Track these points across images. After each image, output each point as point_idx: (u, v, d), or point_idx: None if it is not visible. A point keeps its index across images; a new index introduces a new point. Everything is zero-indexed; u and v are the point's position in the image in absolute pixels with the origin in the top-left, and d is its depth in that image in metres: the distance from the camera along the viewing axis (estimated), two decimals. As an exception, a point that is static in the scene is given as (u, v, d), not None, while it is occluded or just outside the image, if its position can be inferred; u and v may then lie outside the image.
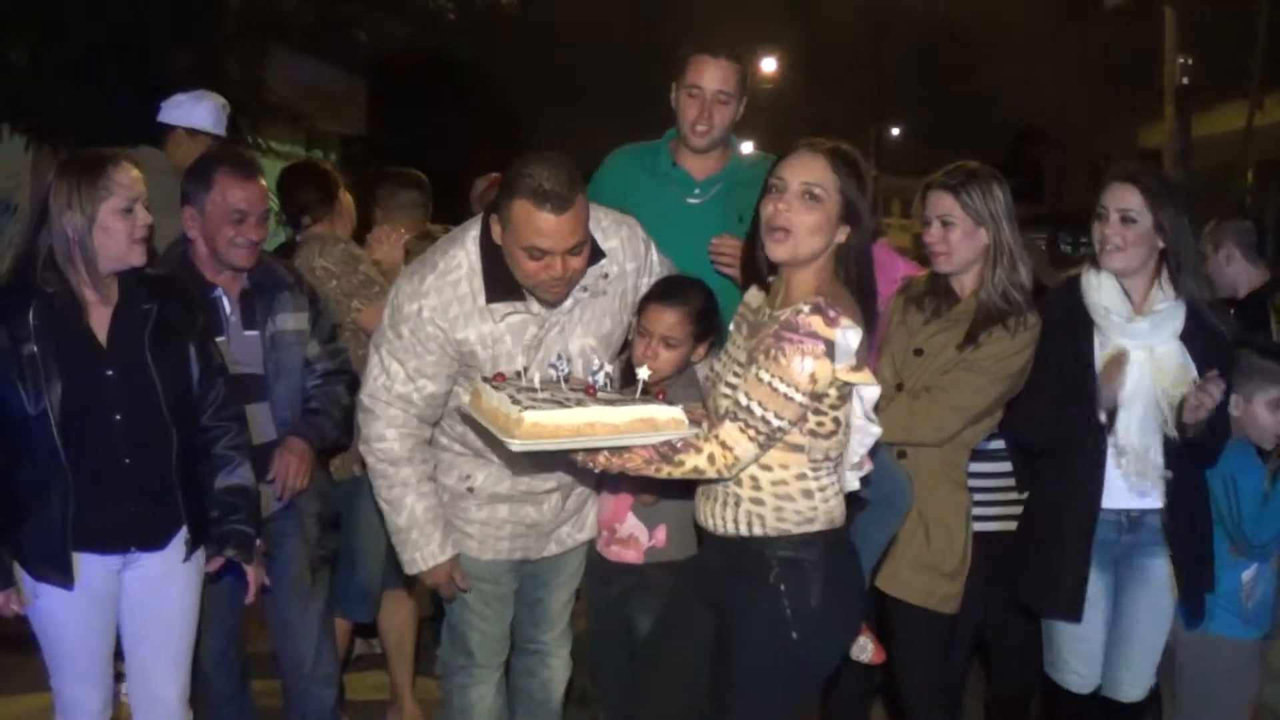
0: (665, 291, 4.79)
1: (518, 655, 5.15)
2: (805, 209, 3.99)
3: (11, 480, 4.47)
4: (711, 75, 5.42)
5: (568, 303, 4.56)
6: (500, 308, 4.51)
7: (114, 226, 4.43)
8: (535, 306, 4.53)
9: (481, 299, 4.51)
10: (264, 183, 5.27)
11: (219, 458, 4.76)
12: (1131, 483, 4.87)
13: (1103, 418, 4.80)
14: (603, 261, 4.63)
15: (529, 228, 4.23)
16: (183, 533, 4.67)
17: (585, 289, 4.58)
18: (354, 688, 6.28)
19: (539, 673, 5.14)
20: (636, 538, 4.97)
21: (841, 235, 4.03)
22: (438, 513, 4.74)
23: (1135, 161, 5.24)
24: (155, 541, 4.64)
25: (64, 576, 4.49)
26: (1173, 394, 4.80)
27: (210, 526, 4.73)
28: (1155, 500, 4.90)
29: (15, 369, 4.36)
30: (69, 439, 4.41)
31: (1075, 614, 4.94)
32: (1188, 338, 4.87)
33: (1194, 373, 4.82)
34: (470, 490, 4.82)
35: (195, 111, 6.79)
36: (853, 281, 4.05)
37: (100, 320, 4.51)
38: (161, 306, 4.60)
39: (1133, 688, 5.07)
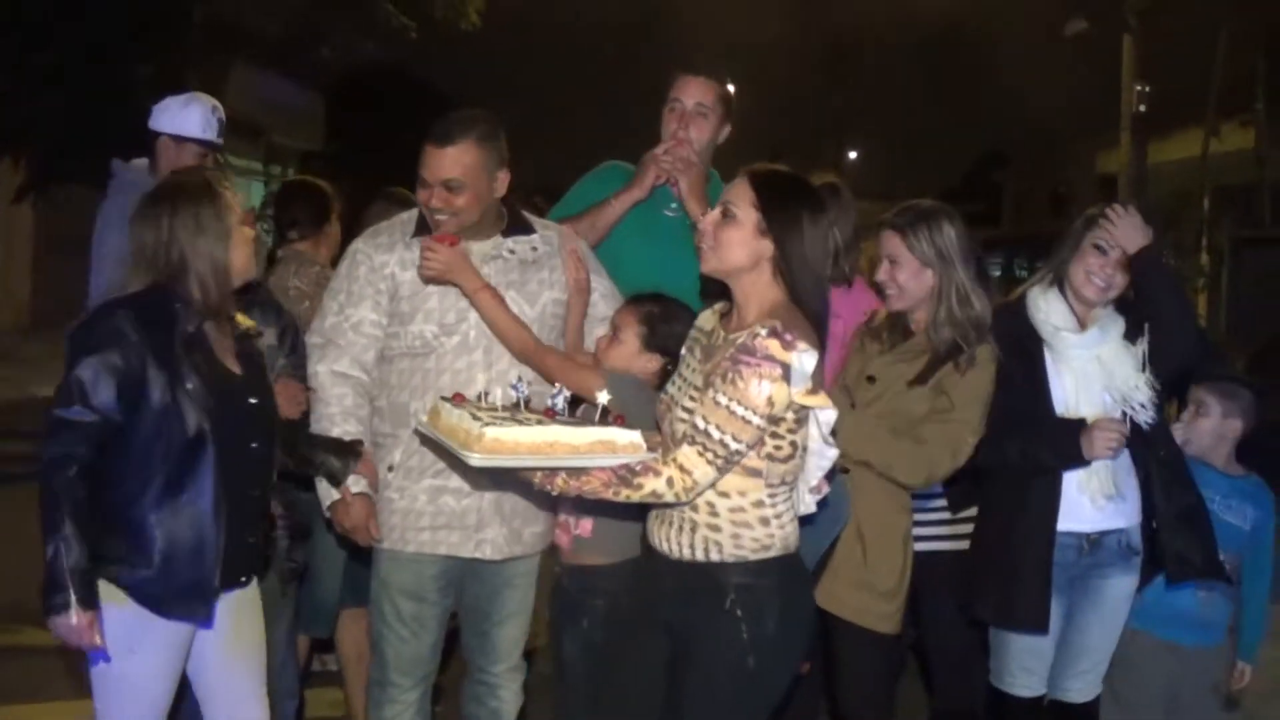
0: (634, 294, 4.99)
1: (468, 683, 5.12)
2: (723, 226, 4.05)
3: (143, 518, 4.19)
4: (689, 90, 5.59)
5: (493, 252, 4.90)
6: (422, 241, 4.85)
7: (240, 242, 4.38)
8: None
9: (410, 231, 4.94)
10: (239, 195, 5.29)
11: None
12: (1097, 503, 4.95)
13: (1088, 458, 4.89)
14: (533, 236, 5.02)
15: (420, 158, 4.77)
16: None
17: (512, 251, 4.93)
18: (311, 704, 6.25)
19: (487, 702, 5.09)
20: (567, 522, 4.96)
21: (766, 250, 4.02)
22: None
23: (1095, 190, 5.27)
24: (255, 571, 4.58)
25: (207, 612, 4.29)
26: (1128, 395, 4.90)
27: None
28: (1117, 520, 4.97)
29: (168, 395, 4.16)
30: (221, 472, 4.26)
31: (1043, 626, 4.98)
32: (1130, 336, 4.96)
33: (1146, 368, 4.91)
34: (390, 470, 4.86)
35: (181, 117, 6.63)
36: (795, 297, 4.02)
37: (225, 350, 4.42)
38: (249, 332, 4.58)
39: (1081, 694, 5.15)
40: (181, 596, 4.22)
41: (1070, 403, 4.96)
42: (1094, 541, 4.98)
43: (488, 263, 4.85)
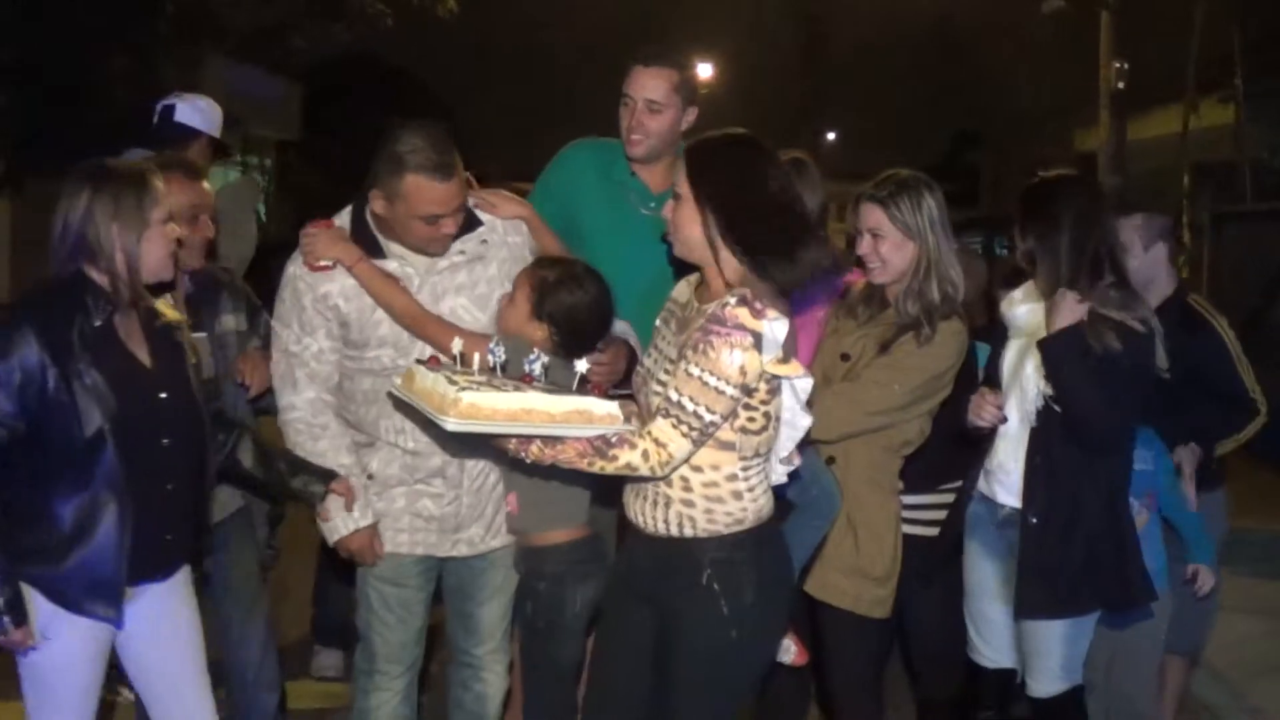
0: (540, 257, 4.89)
1: (454, 667, 5.11)
2: (675, 210, 4.07)
3: (51, 513, 4.20)
4: (640, 84, 5.41)
5: (442, 263, 4.76)
6: None
7: (157, 238, 4.30)
8: (403, 265, 4.72)
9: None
10: (206, 185, 5.29)
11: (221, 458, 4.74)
12: (1001, 479, 4.99)
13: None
14: (480, 229, 4.85)
15: (424, 199, 4.53)
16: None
17: (463, 252, 4.77)
18: (292, 696, 6.20)
19: (473, 686, 5.07)
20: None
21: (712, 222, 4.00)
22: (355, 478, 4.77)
23: (1074, 168, 5.27)
24: (176, 568, 4.53)
25: (114, 609, 4.26)
26: (1024, 387, 4.89)
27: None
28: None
29: (64, 391, 4.12)
30: (127, 469, 4.22)
31: (931, 576, 5.14)
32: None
33: None
34: (370, 478, 4.82)
35: (211, 116, 6.74)
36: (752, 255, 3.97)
37: (137, 341, 4.35)
38: (172, 324, 4.50)
39: (1036, 684, 5.04)
40: (88, 594, 4.22)
41: (1007, 376, 5.01)
42: (1006, 517, 5.00)
43: (439, 272, 4.76)
